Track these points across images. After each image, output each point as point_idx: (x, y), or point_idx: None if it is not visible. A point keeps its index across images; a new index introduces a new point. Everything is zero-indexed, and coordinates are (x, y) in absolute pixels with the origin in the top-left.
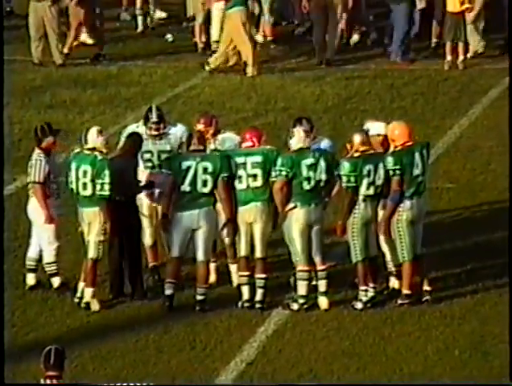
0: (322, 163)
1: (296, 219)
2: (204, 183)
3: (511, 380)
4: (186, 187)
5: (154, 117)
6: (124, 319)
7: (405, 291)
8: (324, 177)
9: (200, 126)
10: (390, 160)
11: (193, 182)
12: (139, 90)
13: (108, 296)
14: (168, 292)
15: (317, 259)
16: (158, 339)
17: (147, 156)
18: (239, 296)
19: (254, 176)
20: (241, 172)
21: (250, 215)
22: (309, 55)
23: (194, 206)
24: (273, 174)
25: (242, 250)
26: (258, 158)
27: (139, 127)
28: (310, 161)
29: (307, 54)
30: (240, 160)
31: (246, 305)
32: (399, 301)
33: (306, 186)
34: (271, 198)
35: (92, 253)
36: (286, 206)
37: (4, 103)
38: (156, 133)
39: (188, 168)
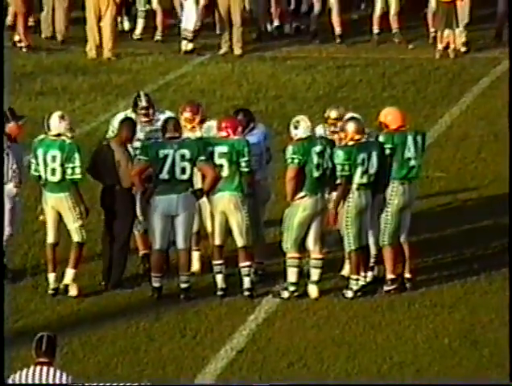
0: (328, 150)
1: (304, 208)
2: (183, 171)
3: (511, 381)
4: (164, 175)
5: (143, 102)
6: (115, 306)
7: (389, 276)
8: (330, 164)
9: (187, 114)
10: (381, 138)
11: (171, 170)
12: (130, 77)
13: (100, 283)
14: (156, 285)
15: (316, 247)
16: (148, 327)
17: (136, 144)
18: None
19: (221, 166)
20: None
21: (219, 204)
22: (301, 43)
23: (172, 191)
24: (243, 164)
25: (216, 239)
26: (224, 149)
27: (128, 115)
28: (319, 148)
29: (298, 43)
30: (209, 149)
31: (220, 293)
32: (386, 288)
33: (315, 173)
34: (240, 188)
35: (76, 238)
36: (296, 195)
37: None
38: (146, 119)
39: (166, 156)
